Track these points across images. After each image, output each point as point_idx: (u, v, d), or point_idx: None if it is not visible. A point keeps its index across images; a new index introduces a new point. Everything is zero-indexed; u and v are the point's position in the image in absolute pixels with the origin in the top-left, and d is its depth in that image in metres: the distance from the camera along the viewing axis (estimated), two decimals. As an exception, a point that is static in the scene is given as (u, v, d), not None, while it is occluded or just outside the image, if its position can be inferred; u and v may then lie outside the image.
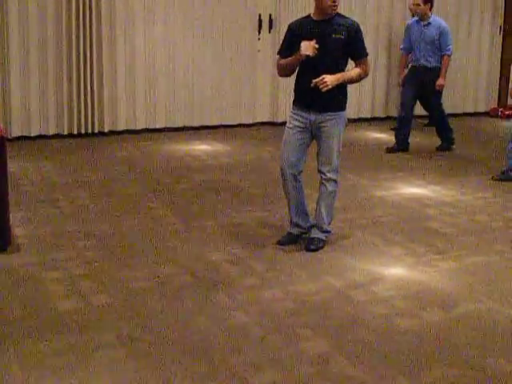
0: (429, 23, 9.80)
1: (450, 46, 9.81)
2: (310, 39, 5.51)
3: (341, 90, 5.72)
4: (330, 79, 5.47)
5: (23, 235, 6.09)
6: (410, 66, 10.19)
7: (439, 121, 10.24)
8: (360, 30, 5.72)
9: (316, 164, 5.88)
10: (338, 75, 5.56)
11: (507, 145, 8.44)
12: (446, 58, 9.79)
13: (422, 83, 9.91)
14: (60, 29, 10.02)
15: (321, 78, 5.47)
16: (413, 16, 10.66)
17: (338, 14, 5.69)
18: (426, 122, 12.17)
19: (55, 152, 9.47)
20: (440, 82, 9.79)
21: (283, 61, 5.77)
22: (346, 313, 4.71)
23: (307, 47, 5.45)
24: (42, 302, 4.75)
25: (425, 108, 11.09)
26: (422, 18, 9.83)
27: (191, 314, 4.62)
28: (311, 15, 5.75)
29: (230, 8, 11.20)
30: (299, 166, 5.82)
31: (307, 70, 5.61)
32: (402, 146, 10.02)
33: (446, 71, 9.84)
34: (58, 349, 4.11)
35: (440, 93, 9.99)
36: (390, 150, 9.96)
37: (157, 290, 5.00)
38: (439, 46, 9.75)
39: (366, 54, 5.83)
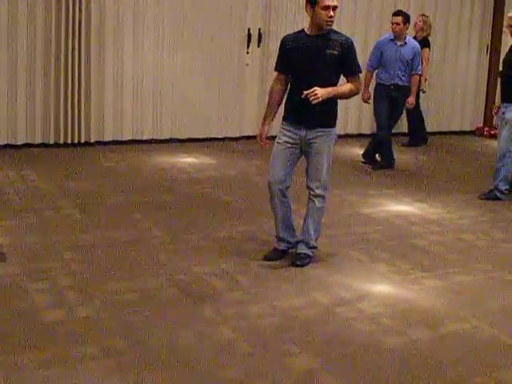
0: (405, 43, 9.84)
1: (420, 67, 9.95)
2: (305, 53, 5.57)
3: (331, 106, 5.74)
4: (321, 92, 5.46)
5: (8, 245, 6.04)
6: (377, 83, 10.08)
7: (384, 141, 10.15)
8: (353, 47, 5.73)
9: (304, 179, 5.87)
10: (330, 89, 5.55)
11: (495, 164, 8.49)
12: (416, 77, 9.91)
13: (393, 100, 9.93)
14: (48, 39, 10.00)
15: (312, 90, 5.46)
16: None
17: (332, 30, 5.70)
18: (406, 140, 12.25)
19: (41, 161, 9.44)
20: (411, 100, 9.90)
21: (269, 96, 5.93)
22: (332, 329, 4.71)
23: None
24: (27, 312, 4.71)
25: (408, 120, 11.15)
26: (399, 37, 9.84)
27: (177, 328, 4.59)
28: (305, 30, 5.76)
29: (219, 22, 11.22)
30: (287, 181, 5.81)
31: (300, 86, 5.59)
32: (387, 162, 10.04)
33: (417, 90, 10.07)
34: (44, 361, 4.07)
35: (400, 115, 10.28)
36: (376, 167, 9.98)
37: (143, 303, 4.97)
38: (411, 65, 9.82)
39: (359, 71, 5.83)
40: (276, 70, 5.90)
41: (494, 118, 13.22)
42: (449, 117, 13.60)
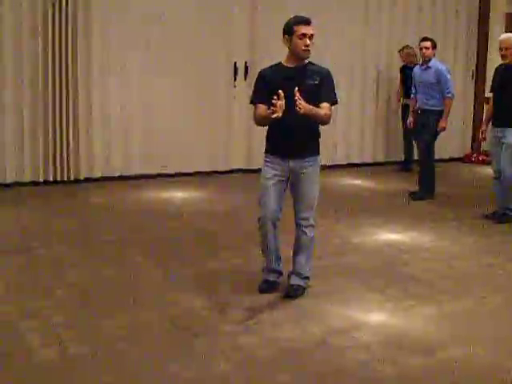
0: (428, 67, 9.93)
1: (450, 89, 9.82)
2: (285, 85, 5.51)
3: (315, 134, 5.79)
4: (303, 105, 5.37)
5: (-1, 284, 6.03)
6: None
7: (424, 169, 10.11)
8: (331, 76, 5.75)
9: (292, 211, 5.89)
10: (311, 106, 5.47)
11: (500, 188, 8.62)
12: (447, 100, 9.81)
13: (422, 125, 10.01)
14: (36, 75, 10.05)
15: (299, 99, 5.36)
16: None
17: (310, 62, 5.75)
18: (399, 167, 12.32)
19: (31, 199, 9.43)
20: (441, 124, 9.82)
21: (260, 112, 5.70)
22: (326, 359, 4.70)
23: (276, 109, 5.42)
24: (20, 351, 4.69)
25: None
26: (424, 61, 9.97)
27: (171, 362, 4.57)
28: (282, 62, 5.79)
29: (205, 55, 11.28)
30: (279, 214, 5.82)
31: (282, 117, 5.53)
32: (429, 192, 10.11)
33: (447, 114, 9.85)
34: (37, 399, 4.06)
35: (433, 139, 9.99)
36: (415, 198, 10.00)
37: (136, 338, 4.95)
38: (438, 89, 9.84)
39: (334, 101, 5.78)
40: (253, 103, 5.79)
41: (482, 144, 13.31)
42: (437, 144, 13.62)
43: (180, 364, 4.55)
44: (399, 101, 12.45)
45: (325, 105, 5.67)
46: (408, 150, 12.30)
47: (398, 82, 12.50)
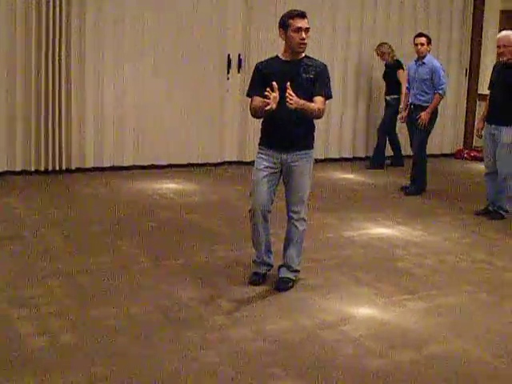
0: (423, 63, 9.94)
1: (443, 86, 9.83)
2: (281, 78, 5.53)
3: (310, 127, 5.81)
4: (295, 100, 5.39)
5: (-10, 272, 6.02)
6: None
7: (416, 164, 10.11)
8: (327, 71, 5.77)
9: (284, 204, 5.90)
10: (302, 101, 5.48)
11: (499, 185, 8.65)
12: (436, 96, 9.81)
13: (414, 120, 10.01)
14: (29, 64, 10.01)
15: (290, 94, 5.38)
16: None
17: (307, 56, 5.77)
18: (390, 161, 12.33)
19: (22, 189, 9.41)
20: (423, 115, 9.79)
21: (255, 104, 5.70)
22: (316, 352, 4.70)
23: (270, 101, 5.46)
24: (10, 340, 4.68)
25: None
26: (419, 57, 9.98)
27: (161, 354, 4.58)
28: (279, 56, 5.81)
29: (199, 48, 11.25)
30: (270, 206, 5.83)
31: (277, 110, 5.59)
32: (421, 187, 10.12)
33: (433, 108, 9.83)
34: (26, 388, 4.06)
35: (426, 135, 9.99)
36: (408, 192, 10.01)
37: (126, 329, 4.95)
38: (432, 85, 9.84)
39: (328, 96, 5.77)
40: (250, 94, 5.82)
41: (474, 140, 13.34)
42: (430, 140, 13.64)
43: (169, 355, 4.55)
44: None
45: (318, 99, 5.67)
46: (383, 147, 12.23)
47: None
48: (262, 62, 5.91)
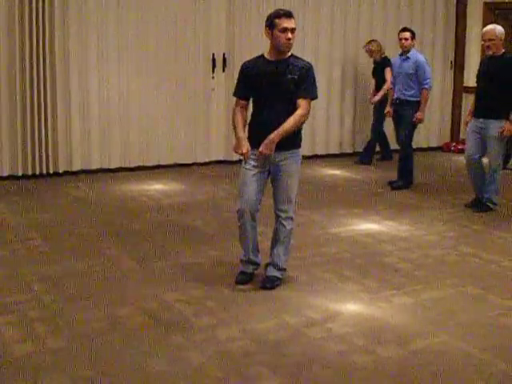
0: (407, 57, 9.95)
1: (429, 80, 9.83)
2: (266, 78, 5.58)
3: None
4: (269, 147, 5.58)
5: (-24, 278, 6.01)
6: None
7: (403, 158, 10.11)
8: (312, 71, 5.73)
9: (272, 203, 5.90)
10: (274, 135, 5.56)
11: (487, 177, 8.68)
12: (424, 91, 9.82)
13: (400, 115, 10.05)
14: (13, 69, 9.98)
15: (261, 150, 5.58)
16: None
17: (293, 55, 5.75)
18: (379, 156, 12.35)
19: (9, 193, 9.39)
20: (418, 115, 9.82)
21: (235, 113, 5.83)
22: (302, 350, 4.71)
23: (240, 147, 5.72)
24: (-4, 346, 4.69)
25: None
26: (404, 52, 10.00)
27: (148, 356, 4.58)
28: (264, 55, 5.80)
29: (183, 47, 11.25)
30: (258, 205, 5.82)
31: (262, 110, 5.63)
32: (408, 181, 10.14)
33: (424, 106, 9.88)
34: (12, 394, 4.05)
35: (412, 129, 10.00)
36: (395, 187, 10.03)
37: (112, 332, 4.95)
38: (417, 80, 9.85)
39: (312, 96, 5.76)
40: (236, 95, 5.89)
41: (461, 133, 13.35)
42: (416, 133, 13.65)
43: (155, 357, 4.55)
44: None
45: (301, 101, 5.66)
46: (374, 145, 12.24)
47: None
48: (247, 62, 5.90)
